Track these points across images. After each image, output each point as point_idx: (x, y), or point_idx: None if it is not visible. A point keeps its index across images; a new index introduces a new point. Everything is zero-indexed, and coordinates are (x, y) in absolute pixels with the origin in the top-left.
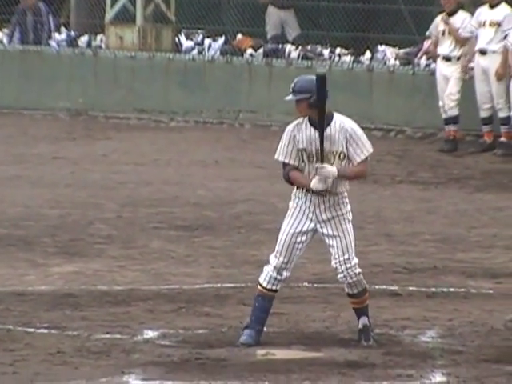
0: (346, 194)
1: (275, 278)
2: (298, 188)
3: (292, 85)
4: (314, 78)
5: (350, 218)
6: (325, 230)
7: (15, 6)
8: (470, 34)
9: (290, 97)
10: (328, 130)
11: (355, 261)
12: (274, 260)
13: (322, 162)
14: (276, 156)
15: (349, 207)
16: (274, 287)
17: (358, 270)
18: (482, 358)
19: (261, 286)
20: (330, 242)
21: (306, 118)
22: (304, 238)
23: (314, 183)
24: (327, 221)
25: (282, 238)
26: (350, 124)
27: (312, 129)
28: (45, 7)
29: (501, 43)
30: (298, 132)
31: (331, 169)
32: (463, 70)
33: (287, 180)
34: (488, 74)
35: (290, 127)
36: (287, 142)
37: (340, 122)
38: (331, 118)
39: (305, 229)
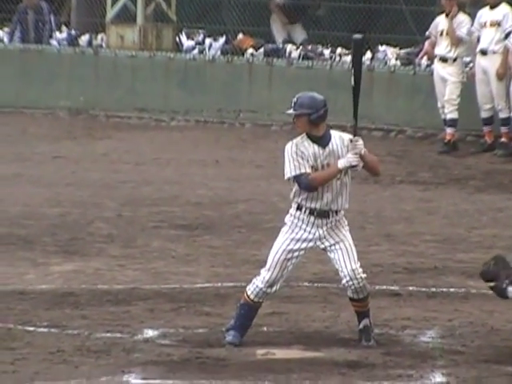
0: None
1: (264, 292)
2: (298, 209)
3: (294, 99)
4: (315, 94)
5: (348, 228)
6: (326, 243)
7: (16, 4)
8: (465, 36)
9: (290, 111)
10: (331, 146)
11: (359, 265)
12: (266, 274)
13: (355, 134)
14: (287, 175)
15: (346, 221)
16: (260, 300)
17: (364, 275)
18: (482, 358)
19: (248, 297)
20: (333, 248)
21: (305, 136)
22: (300, 254)
23: (351, 158)
24: (328, 235)
25: (277, 253)
26: (345, 134)
27: (315, 146)
28: (47, 6)
29: (501, 43)
30: (305, 149)
31: (362, 142)
32: (470, 78)
33: (310, 186)
34: (488, 75)
35: (292, 146)
36: (296, 157)
37: (338, 136)
38: (330, 134)
39: (303, 246)
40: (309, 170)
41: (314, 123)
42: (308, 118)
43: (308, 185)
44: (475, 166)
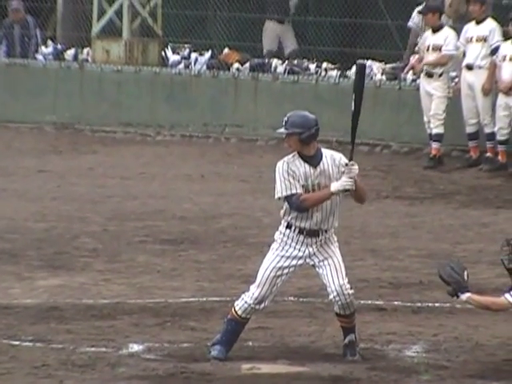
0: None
1: (253, 308)
2: (288, 227)
3: (285, 118)
4: (307, 113)
5: (337, 244)
6: (315, 259)
7: (2, 19)
8: (453, 52)
9: (281, 130)
10: (321, 165)
11: (347, 281)
12: (256, 290)
13: (351, 159)
14: (278, 195)
15: (336, 238)
16: (248, 316)
17: (352, 291)
18: (467, 373)
19: (236, 312)
20: (321, 264)
21: (296, 155)
22: (290, 271)
23: (345, 182)
24: (317, 251)
25: (267, 270)
26: (336, 154)
27: (306, 165)
28: (33, 20)
29: (487, 59)
30: (296, 168)
31: (357, 167)
32: (455, 93)
33: (301, 208)
34: (474, 90)
35: (283, 165)
36: (287, 176)
37: (330, 156)
38: (321, 153)
39: (293, 264)
40: (300, 191)
41: (305, 142)
42: (299, 137)
43: (299, 206)
44: (460, 181)
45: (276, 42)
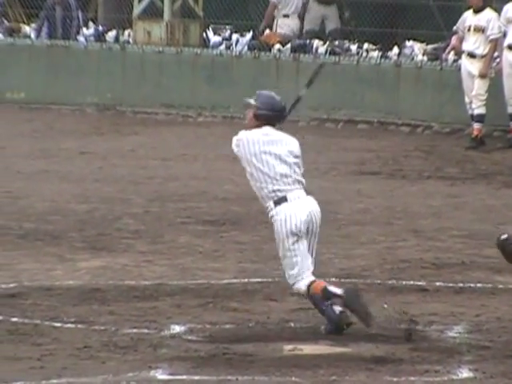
0: None
1: (308, 279)
2: (277, 204)
3: (257, 92)
4: (274, 95)
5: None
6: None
7: (44, 0)
8: (498, 35)
9: (250, 100)
10: None
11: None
12: (291, 270)
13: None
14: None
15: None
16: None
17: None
18: (509, 353)
19: (308, 291)
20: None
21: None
22: (303, 234)
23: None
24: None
25: (285, 241)
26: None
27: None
28: (74, 2)
29: None
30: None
31: None
32: (497, 73)
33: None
34: None
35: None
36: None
37: None
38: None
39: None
40: None
41: (260, 119)
42: (254, 111)
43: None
44: (502, 162)
45: (319, 24)
